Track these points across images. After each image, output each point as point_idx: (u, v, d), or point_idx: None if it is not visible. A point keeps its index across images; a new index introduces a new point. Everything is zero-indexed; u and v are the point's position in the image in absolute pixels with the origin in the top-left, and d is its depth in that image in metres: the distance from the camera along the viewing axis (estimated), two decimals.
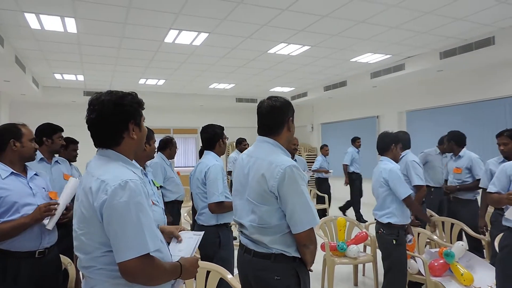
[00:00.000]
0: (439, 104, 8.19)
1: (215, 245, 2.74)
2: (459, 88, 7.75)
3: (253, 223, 1.81)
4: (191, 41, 6.30)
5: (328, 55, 7.33)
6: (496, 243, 2.94)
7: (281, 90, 10.95)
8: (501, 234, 2.80)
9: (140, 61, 7.58)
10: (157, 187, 2.39)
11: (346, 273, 4.45)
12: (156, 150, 3.18)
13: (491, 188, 2.86)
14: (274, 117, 1.89)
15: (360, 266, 4.46)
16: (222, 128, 3.04)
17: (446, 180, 4.83)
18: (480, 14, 5.38)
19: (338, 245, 3.86)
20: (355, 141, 8.22)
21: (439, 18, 5.50)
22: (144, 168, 2.52)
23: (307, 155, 12.11)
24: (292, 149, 4.34)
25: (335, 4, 4.93)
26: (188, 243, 1.68)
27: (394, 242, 3.11)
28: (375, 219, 3.32)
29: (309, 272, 1.87)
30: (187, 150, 13.03)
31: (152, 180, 2.28)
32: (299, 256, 1.79)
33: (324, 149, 8.46)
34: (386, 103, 9.56)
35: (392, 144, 3.22)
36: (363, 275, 4.50)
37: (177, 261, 1.48)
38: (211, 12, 5.12)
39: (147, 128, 1.77)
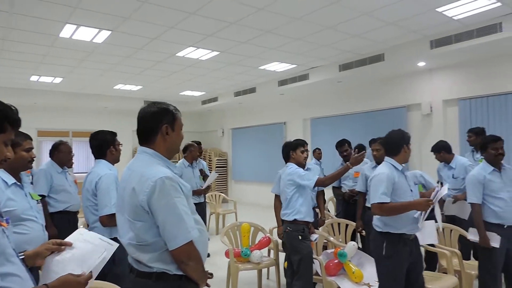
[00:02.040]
0: (340, 113, 8.84)
1: (108, 261, 2.53)
2: (357, 98, 8.46)
3: (132, 241, 1.68)
4: (91, 38, 5.84)
5: (237, 61, 7.42)
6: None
7: (191, 94, 10.80)
8: None
9: (32, 56, 6.81)
10: (37, 200, 2.12)
11: (251, 278, 4.50)
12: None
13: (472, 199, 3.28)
14: (146, 124, 1.76)
15: (265, 270, 4.55)
16: (114, 134, 2.84)
17: None
18: (372, 33, 5.93)
19: (242, 251, 3.88)
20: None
21: (338, 34, 5.93)
22: (19, 180, 2.21)
23: (217, 159, 12.11)
24: (303, 160, 3.72)
25: (242, 13, 5.01)
26: (82, 252, 1.44)
27: (300, 237, 3.35)
28: (283, 220, 3.48)
29: None
30: (89, 155, 12.06)
31: (29, 193, 2.01)
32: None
33: (316, 152, 7.51)
34: (293, 110, 10.02)
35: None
36: (268, 278, 4.60)
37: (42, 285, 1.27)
38: (113, 9, 4.81)
39: (20, 132, 1.53)
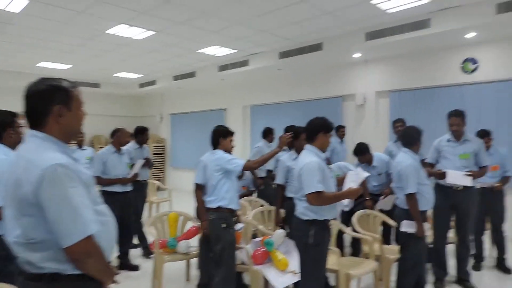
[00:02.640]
0: (280, 100, 8.86)
1: (1, 259, 2.24)
2: (297, 87, 8.51)
3: (19, 239, 1.44)
4: (4, 6, 5.21)
5: (175, 43, 7.08)
6: None
7: (127, 76, 10.21)
8: None
9: None
10: None
11: (179, 269, 4.35)
12: None
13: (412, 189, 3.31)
14: (34, 105, 1.51)
15: (194, 261, 4.41)
16: (12, 115, 2.51)
17: None
18: (311, 21, 5.93)
19: (168, 242, 3.71)
20: (339, 130, 6.69)
21: (278, 20, 5.85)
22: None
23: (154, 146, 11.66)
24: (231, 149, 3.60)
25: None
26: None
27: (224, 225, 3.24)
28: (207, 208, 3.33)
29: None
30: None
31: None
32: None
33: (340, 131, 6.76)
34: (233, 97, 9.89)
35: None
36: (197, 269, 4.47)
37: None
38: None
39: None
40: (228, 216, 3.31)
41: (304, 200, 2.81)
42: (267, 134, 6.03)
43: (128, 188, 4.46)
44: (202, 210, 3.42)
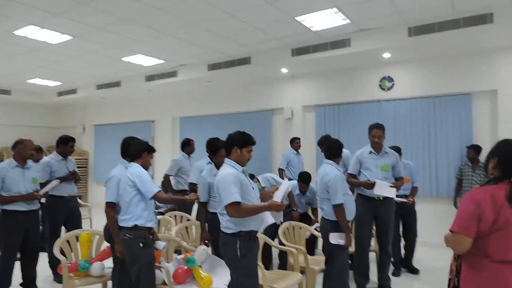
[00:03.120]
0: (209, 113, 8.74)
1: None
2: (226, 99, 8.47)
3: None
4: None
5: (96, 50, 6.66)
6: None
7: (44, 83, 9.37)
8: None
9: None
10: None
11: None
12: None
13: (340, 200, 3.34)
14: None
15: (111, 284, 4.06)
16: None
17: None
18: (239, 35, 5.96)
19: (79, 265, 3.36)
20: (293, 142, 6.54)
21: (207, 33, 5.78)
22: None
23: (76, 159, 10.79)
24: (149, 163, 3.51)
25: None
26: None
27: (141, 244, 3.00)
28: (120, 226, 3.06)
29: None
30: None
31: None
32: None
33: (295, 142, 6.63)
34: (162, 108, 9.56)
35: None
36: None
37: None
38: None
39: None
40: (146, 234, 3.08)
41: (225, 214, 2.72)
42: (185, 145, 5.80)
43: (34, 206, 3.97)
44: (115, 230, 3.14)
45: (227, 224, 2.76)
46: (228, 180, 2.69)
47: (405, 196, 4.80)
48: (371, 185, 3.96)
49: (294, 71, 7.29)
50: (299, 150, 6.55)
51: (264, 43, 6.38)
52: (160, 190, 3.11)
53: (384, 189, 3.95)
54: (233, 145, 2.85)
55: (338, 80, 7.11)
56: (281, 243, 3.95)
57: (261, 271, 3.30)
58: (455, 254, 2.03)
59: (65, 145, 4.68)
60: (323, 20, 5.44)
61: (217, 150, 3.77)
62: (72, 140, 4.76)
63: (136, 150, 3.25)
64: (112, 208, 3.19)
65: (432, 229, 6.11)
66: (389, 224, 4.21)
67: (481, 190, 1.88)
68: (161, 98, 9.47)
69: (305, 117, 7.55)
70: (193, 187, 4.31)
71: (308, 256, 3.85)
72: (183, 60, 7.41)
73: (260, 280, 3.25)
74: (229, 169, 2.77)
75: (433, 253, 5.73)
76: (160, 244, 3.18)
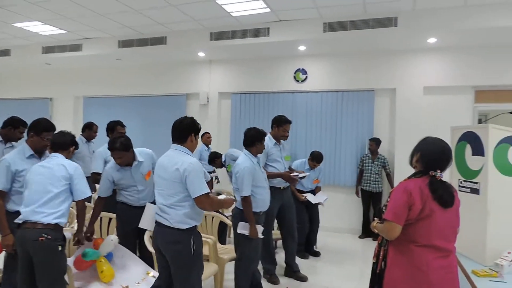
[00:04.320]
0: (120, 94, 8.11)
1: None
2: (138, 81, 7.93)
3: None
4: None
5: None
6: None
7: None
8: None
9: None
10: None
11: None
12: None
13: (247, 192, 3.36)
14: None
15: None
16: None
17: None
18: (154, 12, 5.58)
19: None
20: (203, 136, 6.49)
21: (116, 3, 5.28)
22: None
23: None
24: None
25: None
26: None
27: (60, 248, 2.62)
28: (33, 222, 2.57)
29: None
30: None
31: None
32: None
33: (205, 136, 6.63)
34: (62, 85, 8.58)
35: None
36: None
37: None
38: None
39: None
40: (63, 236, 2.70)
41: (182, 207, 2.55)
42: (86, 129, 5.25)
43: None
44: (4, 222, 2.71)
45: (183, 219, 2.56)
46: (200, 169, 2.59)
47: (312, 192, 5.25)
48: (291, 178, 4.15)
49: (211, 56, 7.12)
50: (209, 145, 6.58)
51: (181, 23, 6.09)
52: (90, 196, 2.86)
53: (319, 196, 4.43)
54: (189, 132, 2.67)
55: (255, 69, 7.14)
56: None
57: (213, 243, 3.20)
58: (379, 240, 2.23)
59: (15, 129, 3.73)
60: (244, 6, 5.36)
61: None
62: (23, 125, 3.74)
63: (64, 141, 2.89)
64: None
65: (334, 216, 6.59)
66: (293, 210, 4.42)
67: (411, 182, 2.09)
68: (62, 74, 8.50)
69: (221, 104, 7.45)
70: (96, 176, 3.93)
71: (218, 245, 3.81)
72: (89, 33, 6.72)
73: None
74: (190, 157, 2.63)
75: (334, 237, 6.18)
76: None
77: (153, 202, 3.50)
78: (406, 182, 2.12)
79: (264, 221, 3.86)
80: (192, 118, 2.75)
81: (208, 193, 2.56)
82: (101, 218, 3.68)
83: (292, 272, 4.37)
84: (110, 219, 3.78)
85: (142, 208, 3.40)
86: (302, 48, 6.40)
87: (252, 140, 3.53)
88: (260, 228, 3.45)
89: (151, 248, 3.24)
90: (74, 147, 2.97)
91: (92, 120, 5.40)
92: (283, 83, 6.97)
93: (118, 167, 3.41)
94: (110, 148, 3.34)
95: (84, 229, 3.03)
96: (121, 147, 3.30)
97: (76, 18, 5.92)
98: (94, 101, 8.37)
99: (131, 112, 7.78)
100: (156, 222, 2.69)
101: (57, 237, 2.60)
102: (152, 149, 3.74)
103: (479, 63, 5.92)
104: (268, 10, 5.46)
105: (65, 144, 2.87)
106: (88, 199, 3.30)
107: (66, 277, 2.76)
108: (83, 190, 2.75)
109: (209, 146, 6.65)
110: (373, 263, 2.25)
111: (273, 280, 4.19)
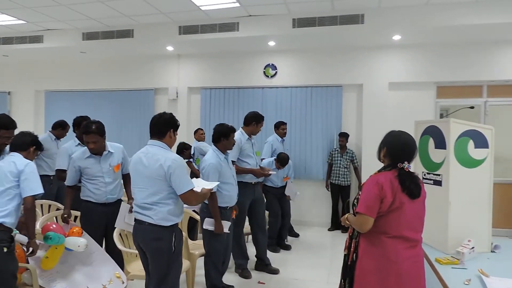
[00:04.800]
0: (84, 88, 7.82)
1: None
2: (105, 74, 7.68)
3: None
4: None
5: None
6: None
7: None
8: None
9: None
10: None
11: None
12: None
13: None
14: None
15: None
16: None
17: None
18: (120, 3, 5.41)
19: None
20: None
21: None
22: None
23: None
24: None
25: None
26: None
27: (5, 250, 2.48)
28: None
29: None
30: None
31: None
32: None
33: (199, 133, 6.41)
34: (22, 79, 8.17)
35: None
36: None
37: None
38: None
39: None
40: (10, 237, 2.57)
41: (167, 204, 2.52)
42: (57, 127, 5.04)
43: None
44: None
45: (165, 216, 2.53)
46: (184, 165, 2.61)
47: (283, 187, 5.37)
48: (262, 173, 4.23)
49: (180, 50, 7.00)
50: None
51: (149, 16, 5.95)
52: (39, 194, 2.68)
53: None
54: (169, 128, 2.63)
55: (225, 64, 7.09)
56: None
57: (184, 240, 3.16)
58: (350, 233, 2.28)
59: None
60: (213, 0, 5.31)
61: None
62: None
63: (23, 142, 2.80)
64: None
65: (305, 209, 6.69)
66: (263, 205, 4.52)
67: (382, 175, 2.14)
68: (22, 67, 8.10)
69: (190, 99, 7.36)
70: (61, 174, 3.80)
71: (189, 241, 3.79)
72: (50, 24, 6.43)
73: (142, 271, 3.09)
74: (175, 154, 2.62)
75: (304, 231, 6.28)
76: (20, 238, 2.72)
77: (117, 201, 3.46)
78: (376, 175, 2.17)
79: (236, 216, 3.89)
80: (171, 114, 2.71)
81: (193, 188, 2.55)
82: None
83: (264, 265, 4.41)
84: (76, 217, 3.66)
85: (108, 206, 3.36)
86: (271, 43, 6.42)
87: (218, 136, 3.53)
88: (226, 224, 3.45)
89: (121, 246, 3.18)
90: (34, 147, 2.85)
91: (55, 115, 5.21)
92: (253, 79, 6.98)
93: (87, 155, 3.32)
94: (86, 131, 3.23)
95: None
96: (97, 130, 3.23)
97: (36, 8, 5.65)
98: (56, 96, 8.03)
99: (97, 107, 7.53)
100: (135, 220, 2.63)
101: (1, 238, 2.48)
102: (121, 143, 3.66)
103: (441, 60, 6.18)
104: (237, 4, 5.43)
105: (24, 145, 2.77)
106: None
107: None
108: (31, 186, 2.60)
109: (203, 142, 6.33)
110: (345, 255, 2.30)
111: (245, 274, 4.21)
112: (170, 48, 6.86)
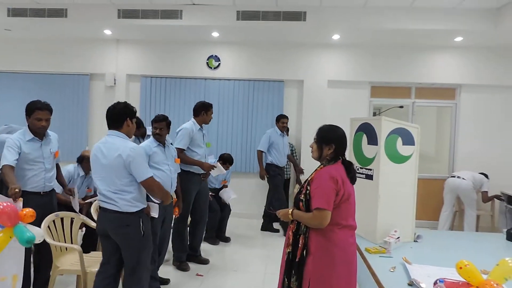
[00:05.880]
0: (10, 69, 7.12)
1: None
2: (35, 55, 7.04)
3: None
4: None
5: None
6: None
7: None
8: None
9: None
10: None
11: None
12: None
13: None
14: None
15: None
16: None
17: None
18: None
19: None
20: (279, 120, 5.82)
21: None
22: None
23: None
24: None
25: None
26: None
27: None
28: None
29: None
30: None
31: None
32: None
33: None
34: None
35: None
36: None
37: None
38: None
39: None
40: None
41: (129, 192, 2.62)
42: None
43: None
44: None
45: (130, 203, 2.64)
46: (143, 153, 2.76)
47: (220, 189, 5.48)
48: (210, 167, 4.24)
49: (119, 35, 6.66)
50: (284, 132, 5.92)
51: None
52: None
53: (219, 169, 4.51)
54: (125, 117, 2.69)
55: (167, 52, 6.88)
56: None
57: (79, 255, 2.97)
58: (293, 228, 2.23)
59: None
60: None
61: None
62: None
63: None
64: None
65: (245, 202, 6.77)
66: (207, 197, 4.50)
67: (332, 169, 2.18)
68: None
69: (129, 87, 7.05)
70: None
71: (84, 256, 3.62)
72: None
73: (76, 265, 2.95)
74: (133, 143, 2.70)
75: (243, 223, 6.36)
76: None
77: (52, 191, 3.26)
78: (327, 169, 2.20)
79: (183, 207, 3.89)
80: (125, 102, 2.79)
81: (152, 176, 2.66)
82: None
83: (195, 256, 4.41)
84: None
85: (47, 196, 3.23)
86: (215, 34, 6.34)
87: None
88: (155, 207, 3.09)
89: (49, 240, 2.99)
90: None
91: None
92: (196, 69, 6.86)
93: (29, 138, 3.11)
94: (38, 107, 3.09)
95: None
96: (48, 107, 3.15)
97: None
98: None
99: (24, 91, 6.92)
100: (100, 208, 2.72)
101: None
102: (52, 130, 3.39)
103: (376, 61, 6.55)
104: None
105: None
106: None
107: None
108: None
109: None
110: (288, 252, 2.23)
111: (183, 267, 4.18)
112: (108, 32, 6.49)
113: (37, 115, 3.09)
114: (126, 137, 2.69)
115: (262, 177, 5.77)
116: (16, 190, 2.59)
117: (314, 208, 2.10)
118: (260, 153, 5.77)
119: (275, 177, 5.71)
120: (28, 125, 3.15)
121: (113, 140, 2.64)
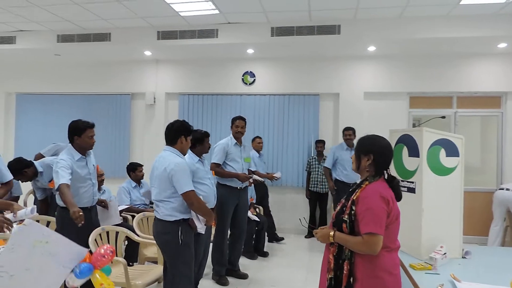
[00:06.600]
0: (57, 91, 7.61)
1: None
2: (79, 77, 7.50)
3: None
4: None
5: None
6: None
7: None
8: None
9: None
10: None
11: None
12: None
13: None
14: None
15: None
16: None
17: None
18: (96, 6, 5.33)
19: None
20: (254, 141, 6.13)
21: None
22: None
23: None
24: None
25: None
26: None
27: None
28: None
29: None
30: None
31: None
32: None
33: (256, 141, 6.13)
34: None
35: None
36: None
37: None
38: None
39: None
40: None
41: (170, 202, 2.86)
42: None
43: None
44: None
45: (171, 212, 2.88)
46: (185, 168, 2.91)
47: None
48: (246, 178, 4.27)
49: (158, 55, 6.95)
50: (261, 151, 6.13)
51: (127, 20, 5.88)
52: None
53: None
54: (179, 134, 2.97)
55: (204, 70, 7.08)
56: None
57: (123, 267, 3.06)
58: (334, 252, 1.98)
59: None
60: (192, 6, 5.31)
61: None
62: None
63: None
64: None
65: (282, 217, 6.73)
66: (246, 211, 4.52)
67: (380, 188, 1.95)
68: None
69: (168, 105, 7.30)
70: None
71: (129, 269, 3.70)
72: (24, 25, 6.25)
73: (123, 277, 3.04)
74: (178, 158, 2.92)
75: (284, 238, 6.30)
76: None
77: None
78: (375, 187, 1.96)
79: (220, 221, 3.97)
80: (182, 121, 3.07)
81: (193, 190, 2.86)
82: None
83: (234, 271, 4.41)
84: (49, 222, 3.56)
85: (93, 209, 3.45)
86: (250, 51, 6.47)
87: (193, 142, 3.58)
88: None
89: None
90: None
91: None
92: (232, 85, 7.00)
93: (78, 157, 3.26)
94: (90, 125, 3.32)
95: None
96: (94, 125, 3.38)
97: (8, 7, 5.48)
98: (28, 98, 7.78)
99: (71, 111, 7.34)
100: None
101: None
102: (96, 148, 3.53)
103: (413, 71, 6.39)
104: (217, 11, 5.45)
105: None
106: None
107: None
108: None
109: (260, 152, 6.10)
110: (330, 278, 1.99)
111: (223, 281, 4.19)
112: (148, 53, 6.80)
113: (89, 133, 3.29)
114: (178, 153, 2.95)
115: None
116: (81, 213, 2.78)
117: (365, 233, 1.86)
118: (326, 169, 5.95)
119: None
120: (76, 144, 3.27)
121: (165, 155, 2.94)
